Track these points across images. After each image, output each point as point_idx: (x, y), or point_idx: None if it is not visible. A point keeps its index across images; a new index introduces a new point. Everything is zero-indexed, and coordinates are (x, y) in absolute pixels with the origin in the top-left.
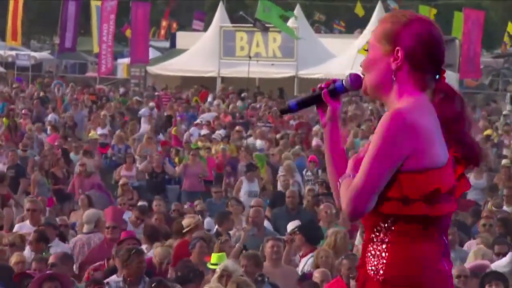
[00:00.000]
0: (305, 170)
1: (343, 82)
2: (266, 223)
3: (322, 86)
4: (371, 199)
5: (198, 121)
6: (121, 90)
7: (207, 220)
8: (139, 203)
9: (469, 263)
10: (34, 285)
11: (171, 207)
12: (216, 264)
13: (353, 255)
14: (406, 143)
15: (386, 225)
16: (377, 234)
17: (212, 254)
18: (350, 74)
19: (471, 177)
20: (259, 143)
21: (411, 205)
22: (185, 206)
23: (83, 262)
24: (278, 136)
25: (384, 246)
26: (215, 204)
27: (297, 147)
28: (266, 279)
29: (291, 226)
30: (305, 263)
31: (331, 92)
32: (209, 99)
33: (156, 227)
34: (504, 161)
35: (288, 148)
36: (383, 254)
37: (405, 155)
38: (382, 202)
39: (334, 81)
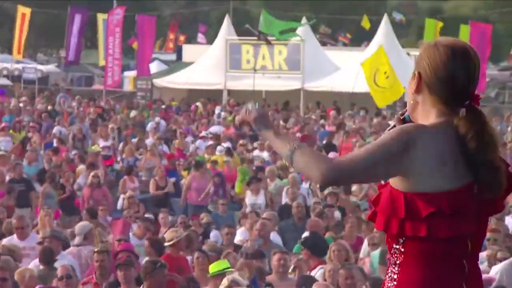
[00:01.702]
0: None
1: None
2: (274, 236)
3: (401, 113)
4: (345, 177)
5: (203, 134)
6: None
7: (214, 233)
8: (146, 215)
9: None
10: None
11: (177, 220)
12: (216, 272)
13: (350, 265)
14: (414, 151)
15: (398, 246)
16: (393, 256)
17: (211, 264)
18: None
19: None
20: (265, 155)
21: (414, 226)
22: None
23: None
24: None
25: (396, 268)
26: (221, 216)
27: None
28: None
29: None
30: (315, 275)
31: (403, 120)
32: (217, 111)
33: (160, 240)
34: None
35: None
36: (395, 277)
37: (407, 162)
38: (390, 223)
39: (404, 111)
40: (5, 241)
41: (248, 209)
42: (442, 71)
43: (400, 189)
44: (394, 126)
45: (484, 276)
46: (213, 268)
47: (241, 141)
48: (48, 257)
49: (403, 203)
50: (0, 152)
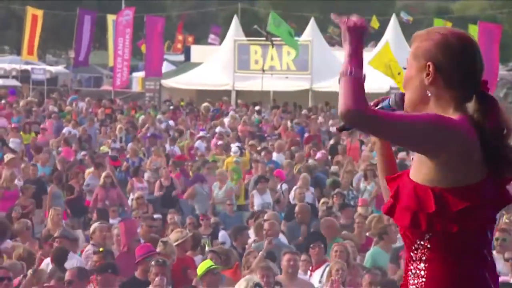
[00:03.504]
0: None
1: (389, 102)
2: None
3: (372, 104)
4: (374, 123)
5: (201, 134)
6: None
7: (222, 233)
8: (155, 216)
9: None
10: None
11: (186, 220)
12: (204, 272)
13: (377, 269)
14: (443, 145)
15: (423, 242)
16: (416, 252)
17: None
18: (395, 94)
19: None
20: (274, 155)
21: (444, 221)
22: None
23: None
24: (292, 148)
25: (422, 264)
26: (229, 217)
27: (310, 160)
28: None
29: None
30: (321, 275)
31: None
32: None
33: None
34: None
35: (302, 161)
36: (422, 273)
37: (442, 149)
38: (418, 219)
39: (383, 99)
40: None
41: (256, 209)
42: (461, 61)
43: (427, 183)
44: None
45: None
46: (199, 269)
47: (250, 142)
48: (60, 257)
49: (432, 198)
50: (10, 155)
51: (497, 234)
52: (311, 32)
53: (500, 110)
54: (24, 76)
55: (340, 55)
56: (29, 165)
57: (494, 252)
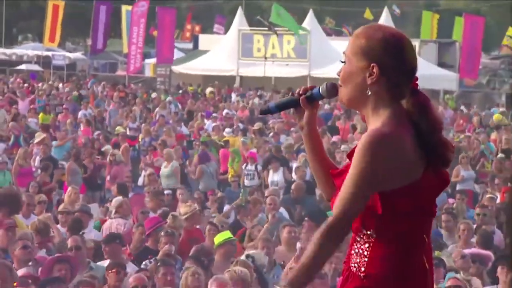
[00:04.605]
0: (244, 164)
1: (320, 90)
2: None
3: (300, 92)
4: (350, 223)
5: (214, 115)
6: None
7: (226, 207)
8: (166, 192)
9: (471, 250)
10: (46, 267)
11: (194, 195)
12: (222, 241)
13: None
14: (389, 164)
15: (369, 232)
16: (361, 236)
17: (216, 236)
18: (327, 83)
19: (461, 170)
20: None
21: (391, 221)
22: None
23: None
24: (292, 129)
25: (367, 245)
26: (234, 192)
27: None
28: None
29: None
30: None
31: (308, 98)
32: (233, 97)
33: None
34: (499, 156)
35: (300, 141)
36: (365, 253)
37: (386, 175)
38: (366, 220)
39: (312, 87)
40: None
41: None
42: (402, 62)
43: None
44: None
45: (479, 251)
46: (218, 239)
47: (256, 124)
48: (76, 227)
49: (378, 200)
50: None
51: (478, 210)
52: (309, 22)
53: (432, 106)
54: (45, 62)
55: (336, 44)
56: (49, 143)
57: (474, 226)
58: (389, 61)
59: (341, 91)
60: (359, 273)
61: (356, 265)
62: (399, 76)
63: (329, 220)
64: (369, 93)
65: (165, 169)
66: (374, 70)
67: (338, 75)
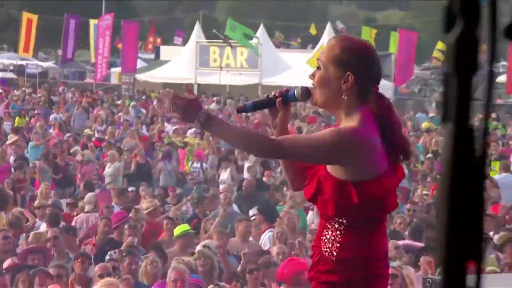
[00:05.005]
0: (190, 162)
1: (295, 93)
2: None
3: (276, 94)
4: (275, 156)
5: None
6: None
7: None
8: (129, 189)
9: (404, 241)
10: (20, 256)
11: (155, 192)
12: (180, 233)
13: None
14: (363, 158)
15: (340, 220)
16: (333, 224)
17: (176, 228)
18: (302, 87)
19: None
20: None
21: (366, 211)
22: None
23: (83, 237)
24: None
25: (338, 232)
26: (191, 189)
27: None
28: (235, 253)
29: (251, 212)
30: (263, 237)
31: (284, 100)
32: None
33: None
34: (429, 156)
35: None
36: (337, 239)
37: (362, 167)
38: (341, 207)
39: (287, 90)
40: None
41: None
42: (373, 71)
43: (345, 179)
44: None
45: (410, 242)
46: (177, 231)
47: None
48: (55, 220)
49: (353, 191)
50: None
51: (409, 206)
52: (261, 36)
53: (394, 108)
54: (20, 70)
55: (284, 55)
56: (21, 144)
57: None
58: (361, 69)
59: (316, 94)
60: (332, 257)
61: (328, 249)
62: (369, 82)
63: (274, 141)
64: (345, 97)
65: (108, 169)
66: (350, 78)
67: (311, 78)
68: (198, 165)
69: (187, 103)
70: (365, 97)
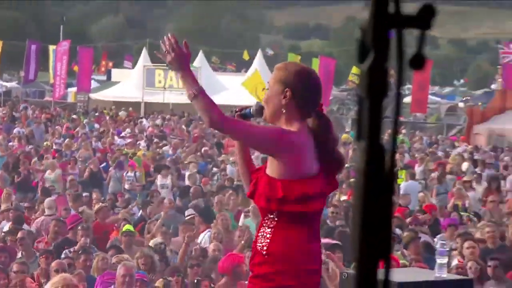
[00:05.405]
0: (125, 172)
1: (251, 110)
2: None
3: (237, 110)
4: (219, 126)
5: (123, 134)
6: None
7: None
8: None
9: (324, 240)
10: None
11: (106, 197)
12: (123, 231)
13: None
14: (291, 155)
15: (272, 216)
16: (266, 221)
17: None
18: (256, 104)
19: None
20: (171, 151)
21: (288, 204)
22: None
23: (37, 236)
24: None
25: (269, 229)
26: (136, 194)
27: (198, 153)
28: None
29: (187, 212)
30: (203, 237)
31: (242, 116)
32: (144, 121)
33: None
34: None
35: (192, 154)
36: (268, 236)
37: (290, 164)
38: (270, 200)
39: (247, 107)
40: None
41: (158, 188)
42: (310, 91)
43: (276, 176)
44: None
45: (331, 241)
46: (122, 230)
47: (155, 140)
48: (19, 221)
49: (280, 187)
50: None
51: (331, 209)
52: (200, 60)
53: (331, 125)
54: None
55: (221, 78)
56: None
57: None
58: (299, 87)
59: (265, 110)
60: (262, 251)
61: (260, 245)
62: (307, 99)
63: (226, 117)
64: (284, 111)
65: (49, 176)
66: (287, 93)
67: (263, 100)
68: (132, 174)
69: (181, 55)
70: (303, 112)
